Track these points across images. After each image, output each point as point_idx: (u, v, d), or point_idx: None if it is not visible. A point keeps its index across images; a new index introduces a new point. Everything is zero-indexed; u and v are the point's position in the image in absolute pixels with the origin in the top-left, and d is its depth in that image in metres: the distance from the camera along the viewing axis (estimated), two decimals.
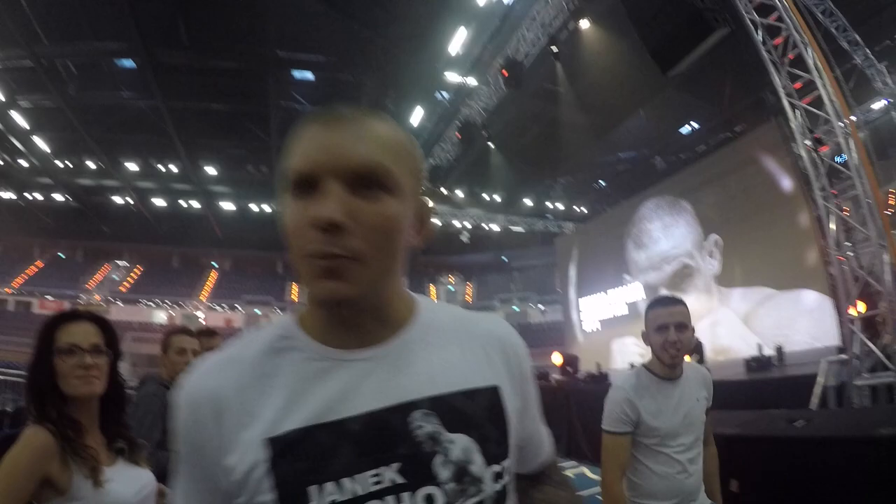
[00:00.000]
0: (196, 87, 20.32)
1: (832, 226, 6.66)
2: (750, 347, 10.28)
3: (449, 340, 0.84)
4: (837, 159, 6.76)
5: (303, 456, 0.71)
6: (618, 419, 2.26)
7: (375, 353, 0.78)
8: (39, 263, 35.16)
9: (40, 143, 23.80)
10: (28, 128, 22.16)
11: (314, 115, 0.77)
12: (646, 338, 2.35)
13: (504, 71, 13.32)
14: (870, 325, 6.24)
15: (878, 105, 13.19)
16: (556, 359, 11.82)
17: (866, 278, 6.22)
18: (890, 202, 22.26)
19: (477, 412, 0.79)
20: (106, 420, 1.75)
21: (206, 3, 16.87)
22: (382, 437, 0.73)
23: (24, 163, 25.74)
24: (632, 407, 2.25)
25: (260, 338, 0.80)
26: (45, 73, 18.21)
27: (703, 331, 12.64)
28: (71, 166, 26.26)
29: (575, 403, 9.19)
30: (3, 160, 25.65)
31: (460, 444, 0.76)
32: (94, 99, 21.12)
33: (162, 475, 1.78)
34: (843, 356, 6.33)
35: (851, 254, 6.67)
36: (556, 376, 11.46)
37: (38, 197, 29.72)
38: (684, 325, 2.25)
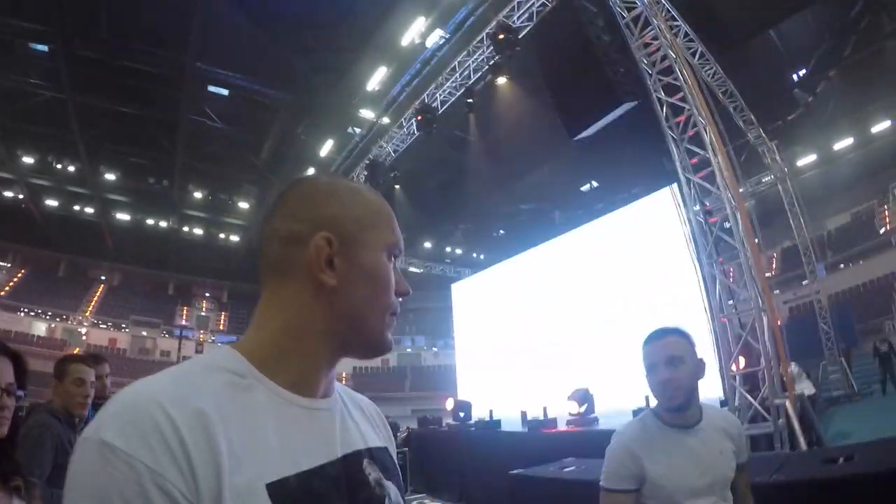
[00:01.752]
0: (107, 86, 19.40)
1: (717, 289, 7.30)
2: (640, 399, 10.79)
3: (356, 404, 0.96)
4: (725, 225, 7.40)
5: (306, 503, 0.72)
6: (617, 474, 1.90)
7: (329, 405, 0.85)
8: None
9: None
10: None
11: (374, 191, 0.94)
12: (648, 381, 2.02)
13: (418, 115, 13.59)
14: (749, 378, 6.80)
15: (767, 178, 14.45)
16: (449, 404, 11.91)
17: (746, 337, 6.80)
18: (772, 265, 24.30)
19: (391, 465, 0.92)
20: (1, 460, 1.57)
21: (132, 0, 16.29)
22: (350, 482, 0.79)
23: None
24: (634, 460, 1.88)
25: (206, 366, 0.75)
26: None
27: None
28: None
29: (467, 449, 9.30)
30: None
31: (393, 489, 0.87)
32: (0, 80, 19.72)
33: None
34: (726, 408, 6.84)
35: (734, 313, 7.26)
36: (448, 421, 11.53)
37: None
38: (678, 359, 1.90)
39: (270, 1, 13.80)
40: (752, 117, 13.08)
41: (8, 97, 20.67)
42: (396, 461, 0.96)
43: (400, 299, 0.89)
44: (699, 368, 1.94)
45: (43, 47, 18.66)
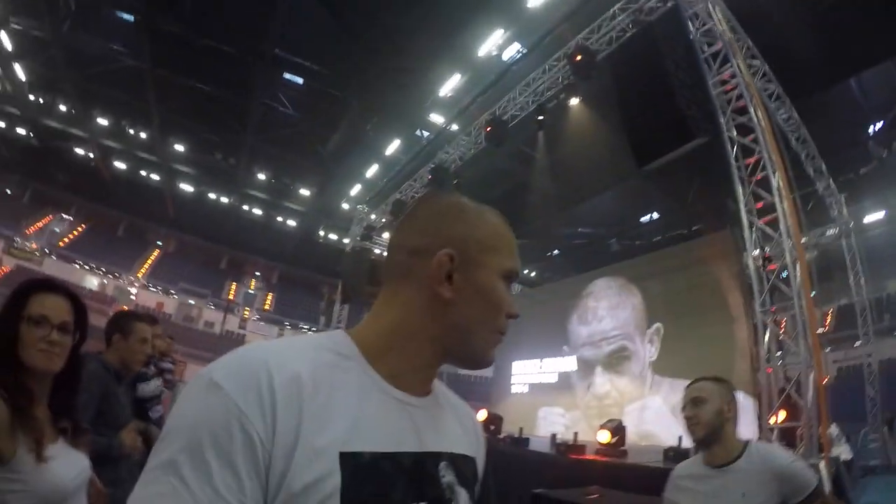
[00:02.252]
0: (186, 62, 20.02)
1: (766, 338, 7.14)
2: (672, 437, 10.58)
3: (454, 410, 1.01)
4: (783, 274, 7.23)
5: (372, 480, 0.76)
6: (667, 499, 2.29)
7: (421, 403, 0.90)
8: None
9: (19, 71, 22.83)
10: (11, 51, 21.27)
11: (499, 216, 1.02)
12: None
13: (488, 126, 13.64)
14: (787, 434, 6.62)
15: (832, 231, 14.01)
16: (481, 416, 11.89)
17: (789, 391, 6.63)
18: (826, 321, 23.50)
19: (470, 474, 0.96)
20: (55, 397, 1.69)
21: None
22: (422, 477, 0.83)
23: None
24: (674, 488, 2.27)
25: (319, 344, 0.85)
26: (45, 0, 17.59)
27: (630, 413, 12.92)
28: (42, 103, 25.22)
29: (492, 462, 9.25)
30: None
31: (464, 497, 0.90)
32: (85, 43, 20.51)
33: (92, 460, 1.76)
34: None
35: (781, 365, 7.09)
36: None
37: (1, 124, 28.10)
38: (701, 399, 2.20)
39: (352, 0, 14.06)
40: (824, 167, 12.71)
41: (91, 60, 21.52)
42: (480, 473, 1.02)
43: (508, 321, 0.95)
44: (727, 409, 2.19)
45: (129, 17, 19.38)
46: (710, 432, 2.16)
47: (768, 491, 2.01)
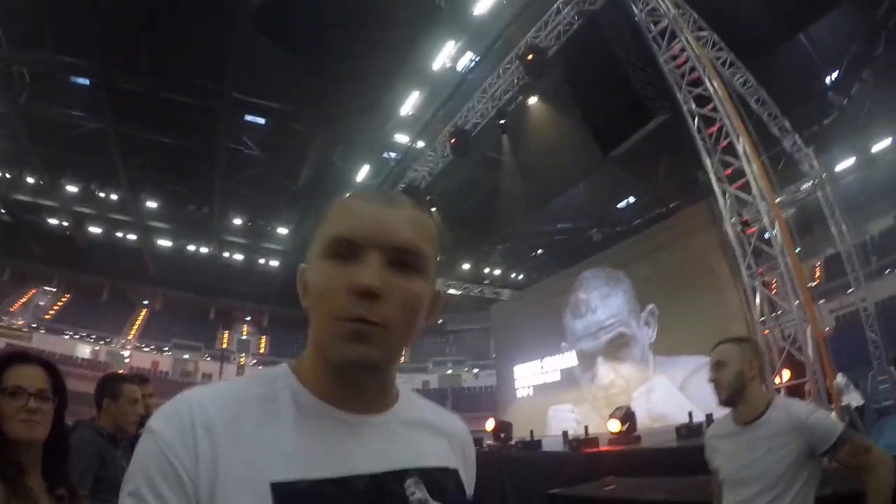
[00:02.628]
0: (148, 116, 19.93)
1: (757, 300, 7.17)
2: (684, 414, 10.58)
3: (427, 424, 0.92)
4: (765, 236, 7.28)
5: None
6: (707, 458, 2.39)
7: (374, 421, 0.83)
8: None
9: None
10: None
11: (362, 191, 0.86)
12: None
13: (452, 138, 13.69)
14: (794, 391, 6.63)
15: (806, 185, 14.13)
16: (489, 425, 11.84)
17: (789, 350, 6.65)
18: (815, 274, 23.66)
19: (450, 487, 0.88)
20: (47, 466, 1.70)
21: (171, 33, 16.71)
22: (383, 498, 0.78)
23: None
24: (708, 448, 2.37)
25: (254, 380, 0.83)
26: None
27: (638, 398, 12.92)
28: (9, 178, 24.91)
29: (507, 469, 9.22)
30: None
31: None
32: (44, 112, 20.35)
33: None
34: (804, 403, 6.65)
35: (777, 325, 7.11)
36: (489, 442, 11.46)
37: None
38: (721, 363, 2.27)
39: (303, 33, 14.05)
40: (787, 124, 12.82)
41: (52, 128, 21.33)
42: (469, 483, 0.94)
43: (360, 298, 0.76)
44: (749, 369, 2.24)
45: (84, 80, 19.31)
46: (733, 393, 2.24)
47: (793, 443, 2.06)
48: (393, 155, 18.94)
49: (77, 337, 32.28)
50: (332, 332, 0.75)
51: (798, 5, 13.31)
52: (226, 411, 0.75)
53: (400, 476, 0.81)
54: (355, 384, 0.81)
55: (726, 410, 2.33)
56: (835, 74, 17.02)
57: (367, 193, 0.84)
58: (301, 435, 0.77)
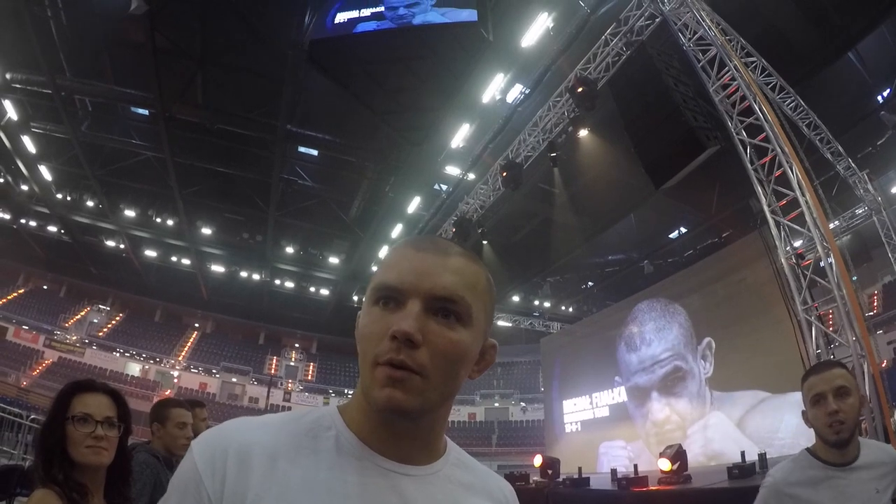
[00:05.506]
0: (204, 147, 20.61)
1: (813, 335, 6.93)
2: (746, 452, 10.24)
3: (472, 485, 0.89)
4: (821, 265, 7.05)
5: None
6: None
7: (414, 472, 0.82)
8: (21, 291, 34.18)
9: (45, 171, 23.66)
10: (35, 153, 22.11)
11: (410, 239, 0.87)
12: (805, 417, 1.96)
13: (503, 171, 13.76)
14: None
15: (861, 210, 13.68)
16: (537, 461, 11.68)
17: None
18: (873, 302, 22.65)
19: None
20: (110, 488, 1.81)
21: (226, 68, 17.49)
22: None
23: (25, 187, 25.59)
24: (778, 499, 1.88)
25: (300, 415, 0.84)
26: (63, 104, 18.29)
27: (694, 435, 12.56)
28: (69, 200, 26.03)
29: None
30: (6, 180, 25.52)
31: None
32: (104, 140, 21.37)
33: None
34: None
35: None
36: (535, 478, 11.30)
37: (33, 224, 29.18)
38: (846, 391, 1.83)
39: (354, 68, 14.41)
40: (840, 148, 12.50)
41: (112, 156, 22.41)
42: None
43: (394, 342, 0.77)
44: (862, 405, 1.88)
45: (143, 111, 20.25)
46: (853, 432, 1.84)
47: (892, 483, 1.82)
48: (444, 187, 19.11)
49: (128, 355, 33.43)
50: (373, 377, 0.76)
51: (844, 22, 12.98)
52: (265, 444, 0.77)
53: None
54: (396, 431, 0.81)
55: (793, 449, 2.05)
56: (887, 92, 16.41)
57: (419, 241, 0.85)
58: (337, 476, 0.77)
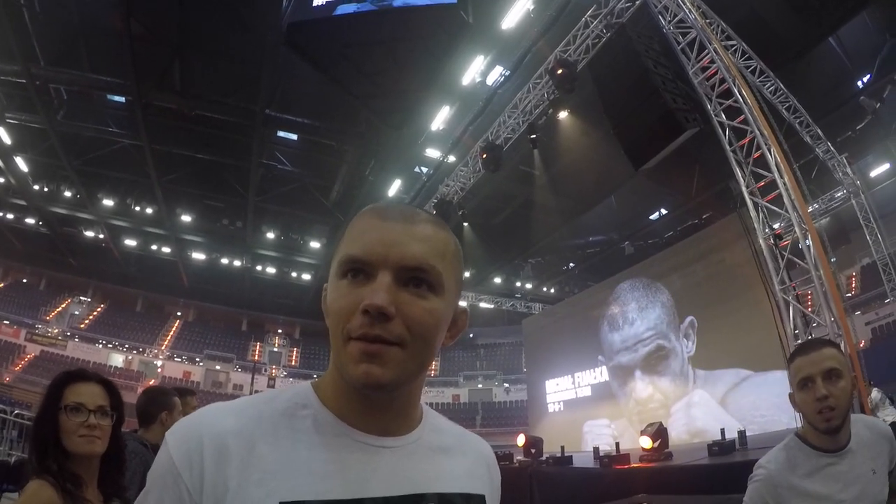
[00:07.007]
0: (182, 133, 20.38)
1: (790, 315, 7.05)
2: (727, 429, 10.42)
3: (450, 448, 0.90)
4: (799, 246, 7.16)
5: None
6: None
7: (392, 443, 0.82)
8: (0, 285, 33.67)
9: (21, 162, 23.24)
10: (10, 144, 21.70)
11: (375, 207, 0.84)
12: (792, 400, 1.81)
13: (483, 153, 13.74)
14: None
15: (840, 193, 13.87)
16: (520, 440, 11.77)
17: None
18: (851, 284, 23.06)
19: None
20: (104, 478, 1.82)
21: (204, 54, 17.27)
22: None
23: (1, 179, 25.01)
24: (774, 492, 1.73)
25: (274, 396, 0.83)
26: (37, 94, 18.03)
27: (677, 413, 12.72)
28: (47, 191, 25.57)
29: (537, 485, 9.15)
30: None
31: None
32: (80, 129, 21.01)
33: None
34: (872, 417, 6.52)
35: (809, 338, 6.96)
36: (519, 457, 11.39)
37: (10, 217, 28.74)
38: (837, 373, 1.68)
39: (332, 51, 14.25)
40: (819, 131, 12.66)
41: (89, 144, 22.07)
42: None
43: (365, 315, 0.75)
44: (853, 387, 1.73)
45: (120, 99, 19.92)
46: (845, 418, 1.71)
47: (886, 459, 1.76)
48: (425, 170, 19.07)
49: (111, 346, 33.26)
50: (347, 352, 0.75)
51: (826, 7, 13.09)
52: (241, 430, 0.76)
53: (416, 501, 0.79)
54: (372, 404, 0.80)
55: (777, 428, 1.84)
56: (867, 77, 16.61)
57: (383, 209, 0.83)
58: (316, 455, 0.76)
